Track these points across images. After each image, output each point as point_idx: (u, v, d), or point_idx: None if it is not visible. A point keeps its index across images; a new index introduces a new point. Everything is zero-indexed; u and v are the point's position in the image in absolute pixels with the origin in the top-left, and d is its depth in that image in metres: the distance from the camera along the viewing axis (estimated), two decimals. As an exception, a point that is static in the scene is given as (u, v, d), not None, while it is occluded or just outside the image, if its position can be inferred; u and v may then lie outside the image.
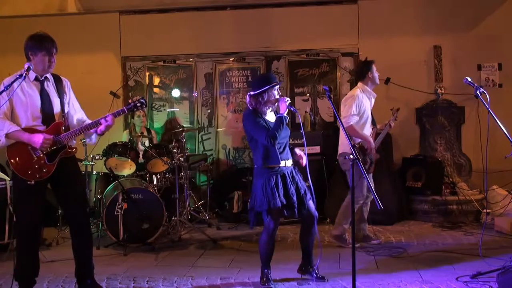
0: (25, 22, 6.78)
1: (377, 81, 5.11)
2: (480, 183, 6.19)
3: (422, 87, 6.83)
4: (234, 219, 6.36)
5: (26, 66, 3.48)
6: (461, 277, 3.90)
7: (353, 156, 3.31)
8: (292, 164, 3.96)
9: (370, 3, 6.95)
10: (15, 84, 3.43)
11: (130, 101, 3.83)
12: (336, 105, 7.00)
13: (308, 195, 3.95)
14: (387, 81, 6.86)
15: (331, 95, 3.92)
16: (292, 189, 3.84)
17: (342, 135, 4.95)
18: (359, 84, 5.05)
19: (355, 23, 6.99)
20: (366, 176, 3.37)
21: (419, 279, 3.97)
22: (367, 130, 5.01)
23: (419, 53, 6.90)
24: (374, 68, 5.05)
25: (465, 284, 3.78)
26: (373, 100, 5.11)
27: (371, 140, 4.92)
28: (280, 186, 3.79)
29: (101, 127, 3.68)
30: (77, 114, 3.85)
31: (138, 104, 3.78)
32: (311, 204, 3.95)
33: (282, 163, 3.83)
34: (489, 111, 4.08)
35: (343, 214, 5.04)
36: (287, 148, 3.95)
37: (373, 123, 5.14)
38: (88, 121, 3.79)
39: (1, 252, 4.83)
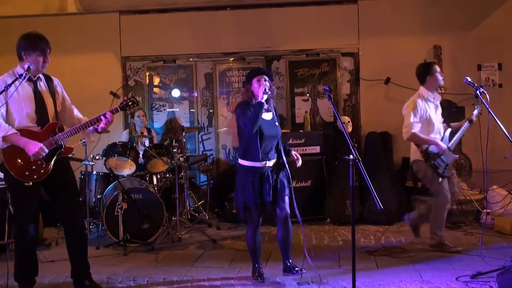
0: (25, 22, 6.78)
1: (440, 82, 4.87)
2: (480, 183, 6.18)
3: (422, 87, 6.82)
4: (234, 219, 6.35)
5: (26, 65, 3.47)
6: (461, 277, 3.91)
7: (353, 156, 3.30)
8: (277, 163, 4.01)
9: (370, 3, 6.94)
10: (14, 85, 3.42)
11: (123, 99, 3.81)
12: (336, 105, 7.02)
13: (286, 192, 3.99)
14: (387, 81, 6.87)
15: (331, 95, 3.91)
16: (267, 187, 3.89)
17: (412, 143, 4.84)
18: (420, 88, 4.87)
19: (355, 23, 6.98)
20: (367, 178, 3.33)
21: (419, 279, 3.97)
22: (436, 135, 4.80)
23: (419, 53, 6.87)
24: (434, 69, 4.81)
25: (465, 284, 3.79)
26: (438, 101, 4.90)
27: (439, 142, 4.70)
28: (257, 185, 3.88)
29: (101, 124, 3.67)
30: (75, 111, 3.86)
31: (130, 103, 3.77)
32: (286, 200, 4.00)
33: (262, 163, 3.89)
34: (489, 111, 4.08)
35: (434, 222, 4.77)
36: (274, 148, 4.01)
37: (446, 123, 4.97)
38: (84, 119, 3.77)
39: (1, 253, 4.84)
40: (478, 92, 4.11)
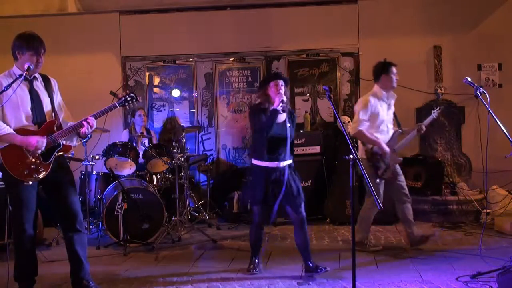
0: (25, 22, 6.77)
1: (394, 84, 4.84)
2: (480, 183, 6.19)
3: (422, 87, 6.83)
4: (234, 219, 6.36)
5: (26, 66, 3.47)
6: (461, 277, 3.91)
7: (353, 156, 3.30)
8: (288, 165, 4.08)
9: (370, 3, 6.95)
10: (14, 85, 3.41)
11: (122, 95, 3.78)
12: (336, 105, 7.02)
13: (301, 197, 4.06)
14: (387, 81, 6.87)
15: (331, 95, 3.94)
16: (271, 188, 3.98)
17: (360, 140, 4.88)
18: (374, 86, 4.88)
19: (355, 23, 6.98)
20: (366, 178, 3.35)
21: (419, 279, 3.97)
22: (383, 135, 4.79)
23: (419, 53, 6.89)
24: (391, 70, 4.81)
25: (465, 284, 3.79)
26: (392, 102, 4.90)
27: (383, 144, 4.69)
28: (262, 184, 3.99)
29: (83, 129, 3.59)
30: (63, 113, 3.81)
31: (129, 98, 3.75)
32: (301, 205, 4.09)
33: (269, 163, 4.00)
34: (489, 111, 4.08)
35: (360, 221, 4.84)
36: (285, 149, 4.05)
37: (398, 124, 4.93)
38: (71, 123, 3.72)
39: (1, 252, 4.83)
40: (478, 92, 4.10)
